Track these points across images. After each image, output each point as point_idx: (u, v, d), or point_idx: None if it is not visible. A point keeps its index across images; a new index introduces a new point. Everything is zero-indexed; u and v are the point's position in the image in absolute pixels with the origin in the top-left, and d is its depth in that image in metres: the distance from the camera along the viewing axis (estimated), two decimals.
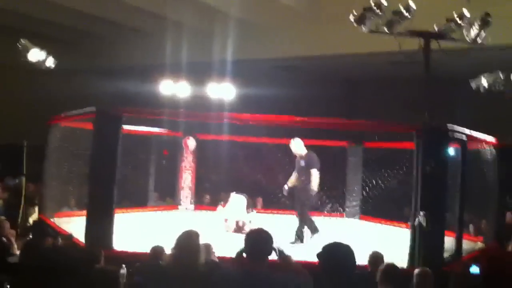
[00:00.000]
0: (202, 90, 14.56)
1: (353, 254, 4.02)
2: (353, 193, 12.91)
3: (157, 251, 6.65)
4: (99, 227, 8.14)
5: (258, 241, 4.23)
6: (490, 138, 10.06)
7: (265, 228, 4.35)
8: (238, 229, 10.10)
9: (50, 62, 10.47)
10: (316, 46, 14.12)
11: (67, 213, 10.94)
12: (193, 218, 11.96)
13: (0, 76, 16.76)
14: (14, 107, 16.91)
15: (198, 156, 13.73)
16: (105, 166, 8.40)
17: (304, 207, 9.69)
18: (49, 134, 11.32)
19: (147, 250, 6.80)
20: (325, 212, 12.88)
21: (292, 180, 9.92)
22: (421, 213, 7.75)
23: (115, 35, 16.62)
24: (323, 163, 10.18)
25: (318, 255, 4.03)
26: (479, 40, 8.81)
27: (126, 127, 8.97)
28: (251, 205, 10.82)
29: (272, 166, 12.10)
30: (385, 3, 8.38)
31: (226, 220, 10.40)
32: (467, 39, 8.84)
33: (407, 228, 8.40)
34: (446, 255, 8.08)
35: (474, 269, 5.82)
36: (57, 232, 9.30)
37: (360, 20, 8.64)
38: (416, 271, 6.11)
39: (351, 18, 8.66)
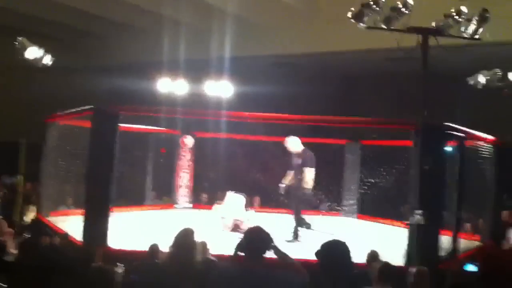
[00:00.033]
0: (200, 88, 14.55)
1: (351, 252, 4.01)
2: (351, 192, 12.89)
3: (154, 249, 6.64)
4: (96, 225, 8.13)
5: (256, 239, 4.23)
6: (488, 136, 10.05)
7: (263, 227, 4.34)
8: (235, 227, 10.08)
9: (48, 60, 10.46)
10: (314, 43, 14.11)
11: (64, 212, 10.91)
12: (190, 217, 11.93)
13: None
14: (11, 106, 16.89)
15: (195, 154, 13.70)
16: (102, 164, 8.39)
17: (299, 205, 9.66)
18: (46, 132, 11.31)
19: (144, 248, 6.79)
20: (323, 210, 12.89)
21: (289, 178, 9.91)
22: (418, 211, 7.75)
23: (112, 33, 16.61)
24: (321, 161, 10.17)
25: (317, 253, 4.02)
26: (477, 36, 8.81)
27: (123, 125, 8.96)
28: (248, 204, 10.81)
29: (270, 164, 12.09)
30: None
31: (223, 218, 10.38)
32: (465, 35, 8.84)
33: (404, 226, 8.37)
34: (443, 253, 8.09)
35: (471, 268, 5.82)
36: (53, 231, 9.30)
37: (357, 16, 8.63)
38: (413, 269, 6.10)
39: (349, 14, 8.65)
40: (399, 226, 10.16)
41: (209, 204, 12.80)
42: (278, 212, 11.58)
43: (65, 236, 8.17)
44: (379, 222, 12.04)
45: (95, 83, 15.77)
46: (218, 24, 14.06)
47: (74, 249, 7.64)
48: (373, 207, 12.20)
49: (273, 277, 4.06)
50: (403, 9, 8.43)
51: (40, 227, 9.89)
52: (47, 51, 10.41)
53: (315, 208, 12.40)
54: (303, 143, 9.90)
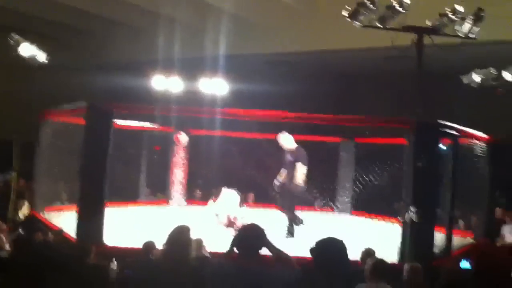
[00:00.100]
0: (195, 85, 14.55)
1: (346, 249, 4.02)
2: (345, 189, 12.92)
3: (148, 246, 6.64)
4: (90, 222, 8.11)
5: (251, 236, 4.23)
6: (481, 134, 10.09)
7: (259, 223, 4.35)
8: (230, 224, 10.08)
9: (42, 58, 10.43)
10: (310, 41, 14.12)
11: (58, 207, 10.88)
12: (184, 213, 11.94)
13: None
14: (5, 103, 16.83)
15: (189, 151, 13.70)
16: (96, 161, 8.37)
17: (293, 201, 9.67)
18: (40, 129, 11.28)
19: (138, 245, 6.79)
20: (317, 207, 12.91)
21: (282, 175, 9.91)
22: (412, 208, 7.77)
23: (107, 31, 16.58)
24: (315, 158, 10.17)
25: (311, 250, 4.03)
26: (471, 35, 8.84)
27: (117, 122, 8.94)
28: (242, 200, 10.81)
29: (264, 161, 12.10)
30: None
31: (217, 215, 10.38)
32: (460, 34, 8.87)
33: (398, 223, 8.40)
34: (436, 250, 8.11)
35: (464, 264, 5.85)
36: (48, 227, 9.28)
37: (353, 15, 8.64)
38: (407, 266, 6.12)
39: (345, 13, 8.66)
40: (393, 223, 10.19)
41: (203, 200, 12.82)
42: (272, 209, 11.59)
43: (59, 232, 8.16)
44: (373, 219, 12.07)
45: (90, 81, 15.75)
46: (214, 23, 14.05)
47: (68, 245, 7.63)
48: (367, 204, 12.23)
49: (267, 274, 4.07)
50: (399, 8, 8.46)
51: (34, 223, 9.87)
52: (41, 49, 10.38)
53: (309, 204, 12.44)
54: (298, 141, 9.91)
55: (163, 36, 14.48)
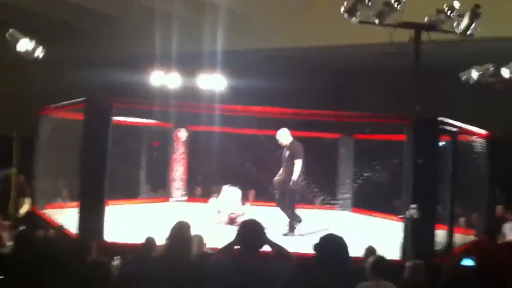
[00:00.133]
0: (193, 81, 14.54)
1: (347, 246, 4.03)
2: (345, 185, 12.92)
3: (149, 242, 6.65)
4: (91, 218, 8.10)
5: (251, 232, 4.23)
6: (481, 131, 10.10)
7: (259, 220, 4.35)
8: (231, 221, 10.10)
9: (39, 53, 10.40)
10: (306, 37, 14.09)
11: (59, 205, 10.89)
12: (184, 210, 11.94)
13: None
14: (4, 98, 16.78)
15: (189, 147, 13.69)
16: (96, 157, 8.35)
17: (292, 198, 9.66)
18: (39, 125, 11.26)
19: (139, 241, 6.79)
20: (317, 204, 12.91)
21: (281, 172, 9.89)
22: (413, 205, 7.78)
23: (105, 26, 16.52)
24: (315, 155, 10.15)
25: (315, 247, 4.03)
26: (469, 32, 8.84)
27: (116, 118, 8.93)
28: (243, 197, 10.83)
29: (264, 158, 12.08)
30: None
31: (219, 212, 10.40)
32: (457, 30, 8.87)
33: (398, 220, 8.41)
34: (437, 247, 8.12)
35: (466, 262, 5.86)
36: (48, 224, 9.28)
37: (350, 11, 8.62)
38: (408, 263, 6.13)
39: (342, 9, 8.64)
40: (393, 220, 10.21)
41: (203, 197, 12.82)
42: (273, 206, 11.60)
43: (60, 229, 8.17)
44: (374, 216, 12.08)
45: (88, 77, 15.70)
46: (211, 18, 14.03)
47: (69, 241, 7.64)
48: (368, 201, 12.24)
49: (267, 270, 4.07)
50: (396, 4, 8.45)
51: (35, 219, 9.87)
52: (40, 45, 10.35)
53: (308, 201, 12.44)
54: (298, 137, 9.91)
55: (161, 32, 14.45)
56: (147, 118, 12.73)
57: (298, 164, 9.40)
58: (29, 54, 10.23)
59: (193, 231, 5.14)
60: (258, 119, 11.58)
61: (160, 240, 5.70)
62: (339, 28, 11.66)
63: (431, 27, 8.80)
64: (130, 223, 9.82)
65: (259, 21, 14.70)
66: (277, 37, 14.52)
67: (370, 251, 6.64)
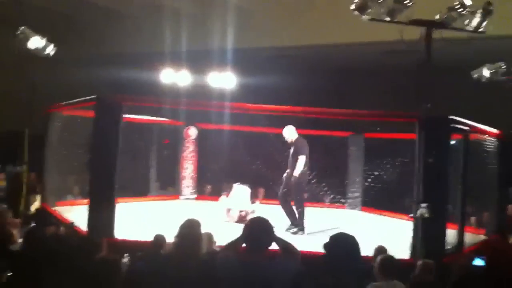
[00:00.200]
0: (202, 78, 14.55)
1: (358, 245, 4.01)
2: (355, 184, 12.88)
3: (158, 240, 6.65)
4: (101, 216, 8.13)
5: (258, 230, 4.22)
6: (492, 130, 10.04)
7: (267, 218, 4.33)
8: (241, 219, 10.10)
9: (50, 50, 10.44)
10: (313, 35, 14.08)
11: (70, 202, 10.93)
12: (194, 208, 11.96)
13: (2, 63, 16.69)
14: (16, 95, 16.84)
15: (199, 145, 13.71)
16: (106, 154, 8.37)
17: (299, 195, 9.63)
18: (50, 122, 11.30)
19: (149, 239, 6.80)
20: (326, 203, 12.89)
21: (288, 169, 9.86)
22: (423, 204, 7.74)
23: (116, 24, 16.56)
24: (324, 153, 10.11)
25: (325, 246, 4.01)
26: (481, 30, 8.79)
27: (127, 115, 8.95)
28: (253, 195, 10.83)
29: (274, 156, 12.07)
30: None
31: (229, 210, 10.40)
32: (469, 28, 8.81)
33: (408, 219, 8.37)
34: (448, 247, 8.08)
35: (477, 261, 5.84)
36: (59, 221, 9.32)
37: (361, 8, 8.58)
38: (418, 262, 6.11)
39: (352, 6, 8.61)
40: (403, 219, 10.17)
41: (213, 195, 12.83)
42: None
43: (70, 226, 8.19)
44: (383, 215, 12.04)
45: (98, 74, 15.74)
46: (217, 15, 14.05)
47: (80, 239, 7.66)
48: (377, 200, 12.18)
49: (274, 268, 4.06)
50: (407, 2, 8.40)
51: (45, 216, 9.90)
52: (49, 42, 10.39)
53: (318, 199, 12.43)
54: (308, 135, 9.90)
55: (170, 29, 14.46)
56: (157, 116, 12.75)
57: (301, 159, 9.36)
58: (40, 51, 10.30)
59: (203, 229, 5.13)
60: (268, 117, 11.58)
61: (170, 237, 5.69)
62: (347, 26, 11.64)
63: (442, 24, 8.75)
64: (140, 220, 9.84)
65: (264, 19, 14.69)
66: (283, 35, 14.51)
67: (380, 250, 6.61)
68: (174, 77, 14.36)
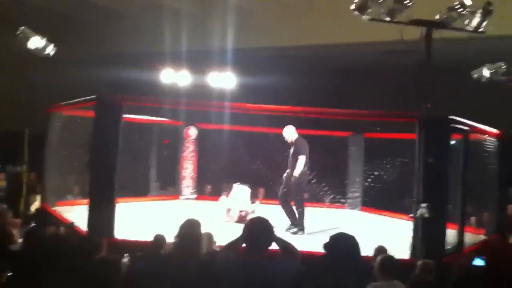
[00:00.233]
0: (202, 79, 14.55)
1: (358, 245, 4.01)
2: (355, 184, 12.87)
3: (158, 240, 6.65)
4: (101, 216, 8.13)
5: (258, 230, 4.22)
6: (492, 130, 10.04)
7: (267, 218, 4.33)
8: (241, 219, 10.10)
9: (50, 50, 10.44)
10: (313, 35, 14.07)
11: (70, 202, 10.93)
12: (194, 208, 11.96)
13: (2, 63, 16.69)
14: (16, 95, 16.84)
15: (199, 145, 13.71)
16: (106, 154, 8.37)
17: (298, 195, 9.63)
18: (50, 122, 11.30)
19: (149, 239, 6.80)
20: (326, 203, 12.88)
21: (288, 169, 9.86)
22: (423, 204, 7.74)
23: (115, 24, 16.56)
24: (325, 153, 10.09)
25: (325, 246, 4.01)
26: (481, 30, 8.78)
27: (127, 115, 8.95)
28: (253, 195, 10.83)
29: (274, 156, 12.07)
30: None
31: (229, 210, 10.40)
32: (469, 28, 8.81)
33: (408, 219, 8.37)
34: (448, 247, 8.08)
35: (477, 261, 5.84)
36: (59, 221, 9.32)
37: (361, 8, 8.58)
38: (418, 262, 6.10)
39: (352, 6, 8.61)
40: (403, 219, 10.18)
41: (213, 195, 12.83)
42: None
43: (70, 226, 8.20)
44: (383, 215, 12.04)
45: (98, 74, 15.75)
46: (217, 14, 14.05)
47: (79, 239, 7.66)
48: (377, 200, 12.18)
49: (274, 268, 4.06)
50: (407, 2, 8.40)
51: (45, 216, 9.90)
52: (50, 41, 10.39)
53: (318, 199, 12.42)
54: (308, 135, 9.90)
55: (170, 29, 14.46)
56: (157, 116, 12.75)
57: (301, 159, 9.37)
58: (40, 51, 10.30)
59: (203, 229, 5.13)
60: (268, 117, 11.58)
61: (170, 237, 5.69)
62: (346, 26, 11.66)
63: (442, 24, 8.75)
64: (140, 220, 9.85)
65: (264, 19, 14.69)
66: (282, 35, 14.51)
67: (380, 251, 6.61)
68: (174, 77, 14.37)
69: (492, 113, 11.90)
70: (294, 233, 9.29)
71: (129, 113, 9.28)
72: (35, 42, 10.23)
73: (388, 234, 9.63)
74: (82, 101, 9.63)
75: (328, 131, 12.68)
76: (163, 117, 12.98)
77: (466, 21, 8.78)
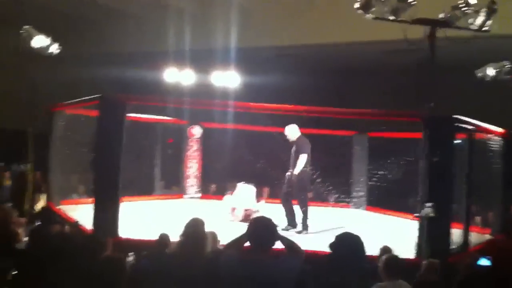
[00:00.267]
0: (206, 77, 14.57)
1: (364, 246, 4.00)
2: (359, 183, 12.86)
3: (163, 239, 6.66)
4: (105, 215, 8.14)
5: (262, 229, 4.22)
6: (497, 129, 10.01)
7: (271, 217, 4.33)
8: (245, 218, 10.10)
9: (54, 49, 10.46)
10: (314, 34, 14.07)
11: (75, 201, 10.95)
12: (198, 207, 11.97)
13: (5, 62, 16.71)
14: (18, 94, 16.86)
15: (203, 144, 13.71)
16: (110, 153, 8.37)
17: (301, 194, 9.62)
18: (54, 121, 11.32)
19: (153, 238, 6.81)
20: (331, 202, 12.88)
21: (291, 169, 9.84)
22: (428, 204, 7.73)
23: (119, 23, 16.59)
24: (329, 152, 10.08)
25: (330, 245, 4.01)
26: (485, 28, 8.76)
27: (131, 114, 8.95)
28: (258, 194, 10.83)
29: (279, 155, 12.07)
30: None
31: (234, 209, 10.40)
32: (473, 27, 8.79)
33: (413, 219, 8.36)
34: (453, 246, 8.06)
35: (482, 261, 5.82)
36: (64, 220, 9.33)
37: (365, 7, 8.56)
38: (423, 262, 6.09)
39: (356, 5, 8.59)
40: (408, 219, 10.16)
41: (217, 194, 12.83)
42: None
43: (75, 225, 8.21)
44: (388, 215, 12.02)
45: (102, 73, 15.76)
46: (219, 14, 14.07)
47: (84, 237, 7.66)
48: (382, 199, 12.16)
49: (278, 266, 4.06)
50: (410, 0, 8.38)
51: (50, 215, 9.92)
52: (54, 40, 10.40)
53: (322, 199, 12.42)
54: (312, 134, 9.89)
55: (173, 28, 14.47)
56: (161, 115, 12.76)
57: (302, 158, 9.36)
58: (44, 50, 10.31)
59: (207, 228, 5.14)
60: (272, 116, 11.57)
61: (174, 236, 5.70)
62: (349, 25, 11.66)
63: (446, 23, 8.72)
64: (145, 219, 9.85)
65: (265, 18, 14.69)
66: (285, 35, 14.50)
67: (385, 251, 6.59)
68: (177, 76, 14.39)
69: (497, 112, 11.87)
70: (299, 232, 9.29)
71: (133, 112, 9.29)
72: (39, 41, 10.25)
73: (393, 234, 9.62)
74: (86, 100, 9.63)
75: (333, 130, 12.66)
76: (167, 116, 12.98)
77: (470, 20, 8.75)
